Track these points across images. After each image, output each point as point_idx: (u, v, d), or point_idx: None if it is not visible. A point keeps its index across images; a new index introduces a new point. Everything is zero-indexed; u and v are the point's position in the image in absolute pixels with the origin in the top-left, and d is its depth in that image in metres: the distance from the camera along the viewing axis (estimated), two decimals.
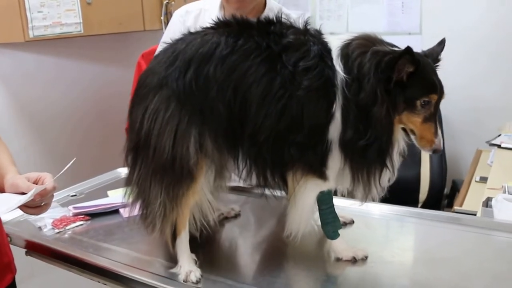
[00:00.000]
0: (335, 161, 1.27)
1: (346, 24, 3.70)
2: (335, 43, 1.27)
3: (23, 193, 1.29)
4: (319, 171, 1.27)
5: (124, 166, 2.11)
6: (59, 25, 2.40)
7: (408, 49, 1.15)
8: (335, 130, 1.23)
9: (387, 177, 1.28)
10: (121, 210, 1.73)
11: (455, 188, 3.28)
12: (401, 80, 1.18)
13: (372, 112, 1.18)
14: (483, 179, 2.74)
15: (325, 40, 1.29)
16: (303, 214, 1.33)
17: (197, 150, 1.26)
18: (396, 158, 1.28)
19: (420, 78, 1.20)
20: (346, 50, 1.24)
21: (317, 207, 1.37)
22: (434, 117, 1.23)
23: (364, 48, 1.23)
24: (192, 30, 1.50)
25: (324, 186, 1.32)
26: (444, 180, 3.35)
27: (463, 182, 2.91)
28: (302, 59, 1.24)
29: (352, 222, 1.58)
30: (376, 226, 1.60)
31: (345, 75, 1.21)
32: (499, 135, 3.16)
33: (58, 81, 2.90)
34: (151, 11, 3.02)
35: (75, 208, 1.72)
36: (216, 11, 1.97)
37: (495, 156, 2.89)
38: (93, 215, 1.71)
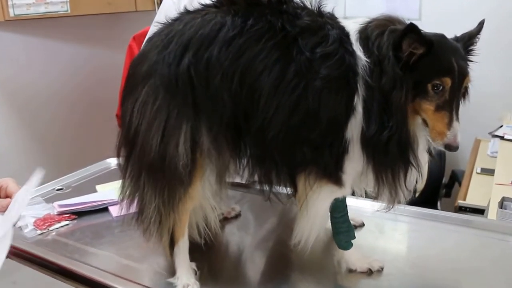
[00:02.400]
0: (353, 164, 1.14)
1: (343, 9, 3.63)
2: (352, 27, 1.13)
3: None
4: (335, 176, 1.15)
5: (114, 157, 2.02)
6: (43, 4, 2.25)
7: (411, 26, 1.02)
8: (355, 126, 1.10)
9: (414, 177, 1.15)
10: (110, 208, 1.60)
11: (454, 178, 3.26)
12: (409, 61, 1.05)
13: (392, 98, 1.05)
14: (485, 171, 2.72)
15: (342, 24, 1.15)
16: (315, 223, 1.20)
17: (187, 149, 1.11)
18: (422, 156, 1.14)
19: (432, 60, 1.06)
20: (365, 32, 1.11)
21: (328, 214, 1.25)
22: (449, 106, 1.07)
23: (383, 28, 1.10)
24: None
25: (339, 193, 1.19)
26: (442, 169, 3.30)
27: (464, 173, 2.85)
28: (320, 44, 1.10)
29: (363, 225, 1.47)
30: (388, 230, 1.49)
31: (367, 60, 1.07)
32: (501, 126, 3.09)
33: (43, 64, 2.78)
34: None
35: (60, 206, 1.58)
36: None
37: (499, 149, 2.83)
38: (80, 214, 1.58)
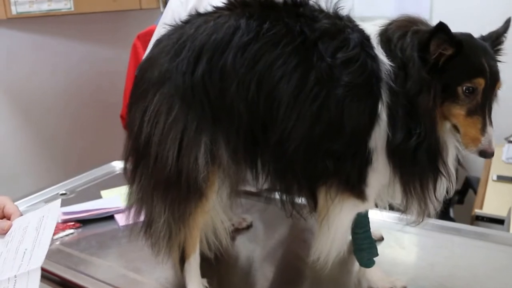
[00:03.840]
0: (378, 176, 1.06)
1: (351, 7, 3.53)
2: (372, 29, 1.06)
3: None
4: (358, 189, 1.07)
5: (118, 159, 1.96)
6: (46, 1, 2.19)
7: (441, 25, 0.95)
8: (380, 135, 1.03)
9: (444, 187, 1.07)
10: (116, 217, 1.54)
11: (468, 184, 3.17)
12: (437, 63, 0.98)
13: (419, 103, 0.98)
14: (502, 178, 2.64)
15: (361, 27, 1.08)
16: (336, 239, 1.13)
17: (208, 162, 1.05)
18: (452, 164, 1.07)
19: (462, 61, 0.99)
20: (386, 34, 1.04)
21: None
22: (482, 110, 1.00)
23: (405, 29, 1.03)
24: (196, 10, 1.27)
25: (362, 207, 1.12)
26: (456, 175, 3.22)
27: (478, 181, 2.78)
28: (341, 49, 1.02)
29: (382, 239, 1.39)
30: (409, 245, 1.41)
31: (390, 64, 1.00)
32: None
33: (46, 62, 2.72)
34: None
35: (64, 213, 1.52)
36: None
37: None
38: (84, 221, 1.52)
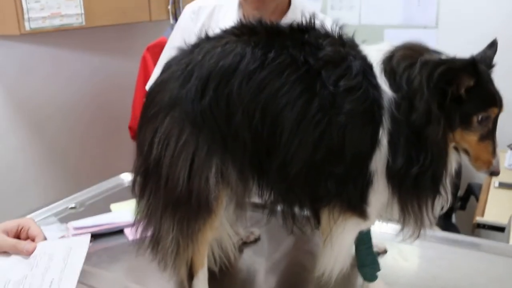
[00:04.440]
0: (378, 196, 1.10)
1: (358, 16, 3.59)
2: (375, 56, 1.10)
3: (6, 252, 1.16)
4: (360, 209, 1.11)
5: (127, 172, 2.01)
6: (58, 16, 2.23)
7: (473, 60, 1.00)
8: (380, 159, 1.06)
9: (440, 205, 1.12)
10: (126, 231, 1.58)
11: (470, 191, 3.20)
12: (458, 95, 1.02)
13: (426, 134, 1.02)
14: (503, 185, 2.66)
15: (364, 53, 1.11)
16: (340, 256, 1.17)
17: (218, 182, 1.09)
18: (449, 181, 1.11)
19: (479, 91, 1.03)
20: (390, 64, 1.07)
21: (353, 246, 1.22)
22: (492, 135, 1.06)
23: (411, 60, 1.06)
24: (206, 29, 1.30)
25: (364, 225, 1.16)
26: (458, 182, 3.26)
27: (480, 187, 2.81)
28: (343, 77, 1.06)
29: (385, 251, 1.43)
30: (412, 257, 1.45)
31: (393, 94, 1.04)
32: None
33: (58, 76, 2.77)
34: (158, 0, 2.87)
35: (75, 228, 1.56)
36: (233, 8, 1.81)
37: None
38: (95, 236, 1.55)
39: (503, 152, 3.04)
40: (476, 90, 1.03)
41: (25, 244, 1.17)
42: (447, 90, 1.01)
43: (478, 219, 2.38)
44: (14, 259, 1.17)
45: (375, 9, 3.51)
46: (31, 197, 2.57)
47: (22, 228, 1.20)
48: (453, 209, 3.24)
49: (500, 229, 2.21)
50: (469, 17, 3.19)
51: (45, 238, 1.21)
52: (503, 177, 2.73)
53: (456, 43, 3.29)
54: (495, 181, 2.73)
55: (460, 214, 3.22)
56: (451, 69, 1.00)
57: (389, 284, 1.24)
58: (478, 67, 1.01)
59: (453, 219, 3.16)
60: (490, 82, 1.07)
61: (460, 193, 3.27)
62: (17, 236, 1.20)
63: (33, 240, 1.19)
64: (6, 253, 1.18)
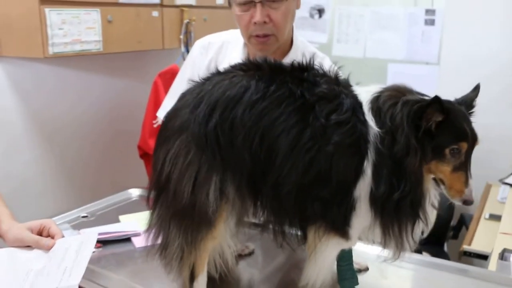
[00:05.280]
0: (360, 220, 1.23)
1: (363, 49, 3.70)
2: (364, 96, 1.23)
3: (29, 246, 1.38)
4: (342, 230, 1.24)
5: (135, 187, 2.16)
6: (79, 43, 2.38)
7: (436, 98, 1.13)
8: (363, 187, 1.19)
9: (420, 230, 1.24)
10: (133, 239, 1.72)
11: (462, 222, 3.28)
12: (430, 128, 1.15)
13: (406, 163, 1.14)
14: (493, 217, 2.73)
15: (355, 92, 1.25)
16: (322, 270, 1.30)
17: (217, 198, 1.22)
18: (429, 209, 1.23)
19: (449, 126, 1.16)
20: (377, 103, 1.21)
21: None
22: (465, 166, 1.18)
23: (395, 99, 1.20)
24: (214, 63, 1.45)
25: (346, 245, 1.29)
26: (451, 212, 3.34)
27: (472, 218, 2.89)
28: (335, 112, 1.19)
29: (367, 269, 1.55)
30: (391, 276, 1.57)
31: (378, 130, 1.17)
32: None
33: (76, 96, 2.90)
34: (171, 30, 3.01)
35: None
36: (239, 46, 1.96)
37: (508, 197, 2.86)
38: (105, 242, 1.69)
39: (496, 186, 3.15)
40: (447, 125, 1.16)
41: (46, 241, 1.36)
42: (420, 125, 1.15)
43: (465, 247, 2.48)
44: (36, 252, 1.37)
45: (379, 44, 3.63)
46: (44, 207, 2.67)
47: (44, 227, 1.39)
48: (446, 238, 3.33)
49: (484, 257, 2.31)
50: (469, 55, 3.32)
51: (63, 236, 1.40)
52: (495, 209, 2.82)
53: (457, 79, 3.37)
54: (486, 213, 2.83)
55: (453, 243, 3.29)
56: (422, 106, 1.14)
57: None
58: (443, 105, 1.13)
59: (445, 248, 3.24)
60: (462, 119, 1.19)
61: (453, 223, 3.37)
62: (39, 233, 1.40)
63: (52, 237, 1.37)
64: (29, 247, 1.38)
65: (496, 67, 3.22)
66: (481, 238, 2.55)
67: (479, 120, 3.36)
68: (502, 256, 1.83)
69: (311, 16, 3.76)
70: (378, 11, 3.59)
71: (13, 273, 1.27)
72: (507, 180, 3.01)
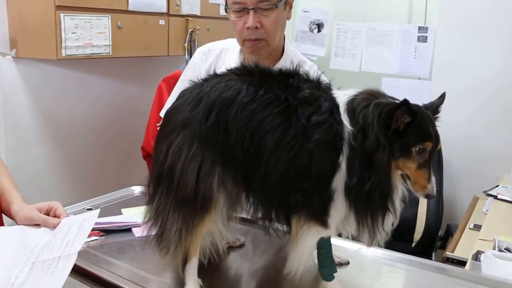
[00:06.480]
0: (337, 210, 1.34)
1: (359, 64, 3.80)
2: (342, 99, 1.36)
3: (38, 225, 1.53)
4: (321, 219, 1.36)
5: (137, 185, 2.30)
6: (90, 46, 2.51)
7: (405, 101, 1.25)
8: (340, 179, 1.31)
9: (390, 222, 1.35)
10: (133, 229, 1.84)
11: (449, 232, 3.36)
12: (398, 128, 1.27)
13: (375, 158, 1.27)
14: (477, 227, 2.81)
15: (334, 95, 1.38)
16: (303, 256, 1.41)
17: (219, 187, 1.36)
18: (398, 203, 1.35)
19: (416, 127, 1.28)
20: (352, 104, 1.34)
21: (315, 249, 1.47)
22: (428, 164, 1.29)
23: (368, 101, 1.32)
24: (213, 68, 1.58)
25: (325, 233, 1.41)
26: (439, 222, 3.42)
27: (457, 228, 2.99)
28: (315, 114, 1.32)
29: (348, 263, 1.67)
30: (369, 269, 1.69)
31: (351, 128, 1.30)
32: (497, 186, 3.22)
33: (85, 97, 3.02)
34: (176, 38, 3.13)
35: None
36: (236, 52, 2.12)
37: (491, 207, 2.96)
38: (107, 231, 1.82)
39: (483, 199, 3.24)
40: (414, 126, 1.28)
41: (52, 219, 1.53)
42: (390, 124, 1.28)
43: (448, 254, 2.59)
44: (42, 229, 1.53)
45: (374, 59, 3.74)
46: (51, 199, 2.74)
47: (51, 208, 1.55)
48: (434, 248, 3.43)
49: (463, 263, 2.42)
50: (459, 71, 3.44)
51: (67, 216, 1.55)
52: (479, 220, 2.90)
53: (447, 94, 3.50)
54: (471, 223, 2.93)
55: (440, 253, 3.39)
56: (392, 108, 1.26)
57: (343, 285, 1.49)
58: (411, 107, 1.25)
59: (433, 258, 3.33)
60: (428, 121, 1.31)
61: (441, 233, 3.47)
62: (47, 213, 1.56)
63: (58, 217, 1.52)
64: (37, 225, 1.54)
65: (483, 82, 3.33)
66: (464, 246, 2.64)
67: (471, 140, 3.47)
68: (476, 257, 1.96)
69: (311, 30, 3.89)
70: (374, 27, 3.70)
71: (23, 246, 1.42)
72: (491, 192, 3.12)
